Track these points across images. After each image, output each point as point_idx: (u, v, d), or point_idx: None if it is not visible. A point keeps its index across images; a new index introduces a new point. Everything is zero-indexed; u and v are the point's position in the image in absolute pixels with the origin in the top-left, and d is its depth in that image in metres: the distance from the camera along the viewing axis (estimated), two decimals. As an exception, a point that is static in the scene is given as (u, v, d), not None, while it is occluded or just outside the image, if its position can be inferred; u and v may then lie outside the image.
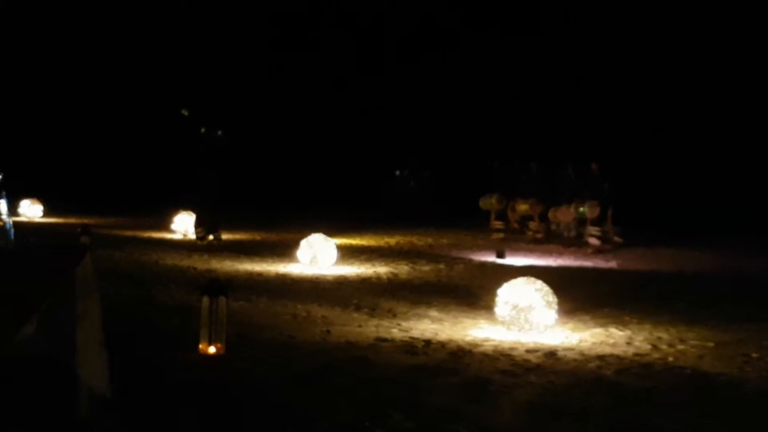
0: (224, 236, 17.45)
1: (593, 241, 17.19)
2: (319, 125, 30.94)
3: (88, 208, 23.99)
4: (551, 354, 7.72)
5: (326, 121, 30.89)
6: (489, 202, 19.94)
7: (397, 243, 18.32)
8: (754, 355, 7.94)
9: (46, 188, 23.89)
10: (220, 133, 17.18)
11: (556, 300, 8.55)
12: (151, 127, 31.57)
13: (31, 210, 22.08)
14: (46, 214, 22.25)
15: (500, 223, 19.91)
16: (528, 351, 7.81)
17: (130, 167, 30.90)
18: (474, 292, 11.28)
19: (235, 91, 28.96)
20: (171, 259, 14.04)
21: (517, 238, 19.02)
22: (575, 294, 10.92)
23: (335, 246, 13.82)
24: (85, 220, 19.40)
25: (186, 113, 17.33)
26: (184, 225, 18.23)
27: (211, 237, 17.06)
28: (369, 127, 30.19)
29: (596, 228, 17.25)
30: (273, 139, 30.53)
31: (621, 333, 8.87)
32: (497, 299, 8.64)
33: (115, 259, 13.73)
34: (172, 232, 18.28)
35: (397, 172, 28.93)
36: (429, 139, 28.55)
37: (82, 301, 5.12)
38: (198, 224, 17.28)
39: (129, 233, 18.60)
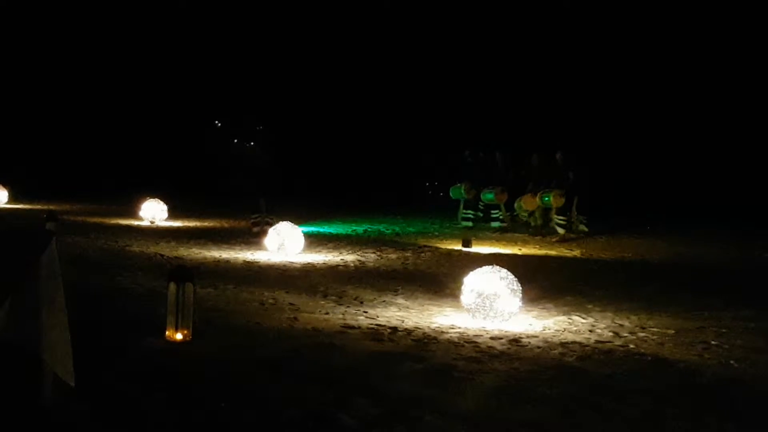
0: (193, 224, 17.42)
1: (558, 230, 17.34)
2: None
3: (54, 194, 23.81)
4: (515, 341, 7.83)
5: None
6: (458, 192, 20.02)
7: (365, 231, 18.37)
8: (713, 342, 8.09)
9: (11, 174, 23.65)
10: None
11: (520, 288, 8.65)
12: (122, 114, 31.34)
13: (-4, 196, 21.89)
14: (11, 200, 22.05)
15: (469, 212, 20.00)
16: (492, 338, 7.92)
17: (97, 154, 30.65)
18: (440, 280, 11.37)
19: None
20: (138, 246, 14.00)
21: (483, 227, 19.13)
22: (539, 282, 11.06)
23: (302, 234, 13.85)
24: (51, 207, 19.28)
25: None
26: (151, 212, 18.16)
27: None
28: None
29: (561, 217, 17.42)
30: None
31: (583, 321, 9.00)
32: (463, 287, 8.73)
33: (81, 245, 13.67)
34: (140, 219, 18.21)
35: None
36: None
37: (48, 287, 5.12)
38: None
39: (96, 220, 18.50)
